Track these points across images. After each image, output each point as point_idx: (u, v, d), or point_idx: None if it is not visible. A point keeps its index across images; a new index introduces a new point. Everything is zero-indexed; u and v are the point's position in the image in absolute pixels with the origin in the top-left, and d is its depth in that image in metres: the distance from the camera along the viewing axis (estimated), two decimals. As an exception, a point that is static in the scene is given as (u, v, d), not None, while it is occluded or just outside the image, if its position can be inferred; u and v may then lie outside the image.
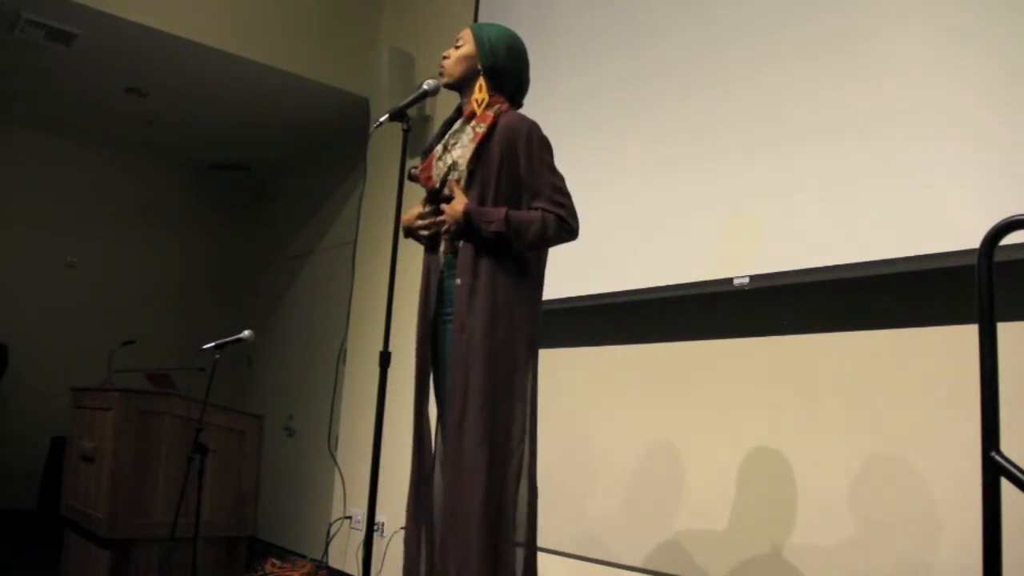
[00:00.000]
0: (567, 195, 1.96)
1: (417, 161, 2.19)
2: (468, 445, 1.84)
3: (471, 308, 1.91)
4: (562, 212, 1.93)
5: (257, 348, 5.55)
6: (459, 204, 1.92)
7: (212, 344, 3.20)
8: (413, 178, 2.12)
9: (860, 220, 2.12)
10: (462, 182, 1.97)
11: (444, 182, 2.02)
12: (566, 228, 1.94)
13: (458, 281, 1.94)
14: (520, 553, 1.86)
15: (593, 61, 3.04)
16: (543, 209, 1.92)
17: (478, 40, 2.04)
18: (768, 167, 2.37)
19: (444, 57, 2.09)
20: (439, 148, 2.09)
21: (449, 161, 2.02)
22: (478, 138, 1.96)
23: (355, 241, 4.56)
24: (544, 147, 1.98)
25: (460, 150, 2.01)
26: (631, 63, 2.87)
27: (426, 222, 2.03)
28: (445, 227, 1.96)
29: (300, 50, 4.32)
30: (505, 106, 2.04)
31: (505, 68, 2.05)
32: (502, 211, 1.89)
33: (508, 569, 1.83)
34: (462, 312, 1.92)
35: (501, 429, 1.85)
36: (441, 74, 2.09)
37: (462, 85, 2.07)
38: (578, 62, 3.10)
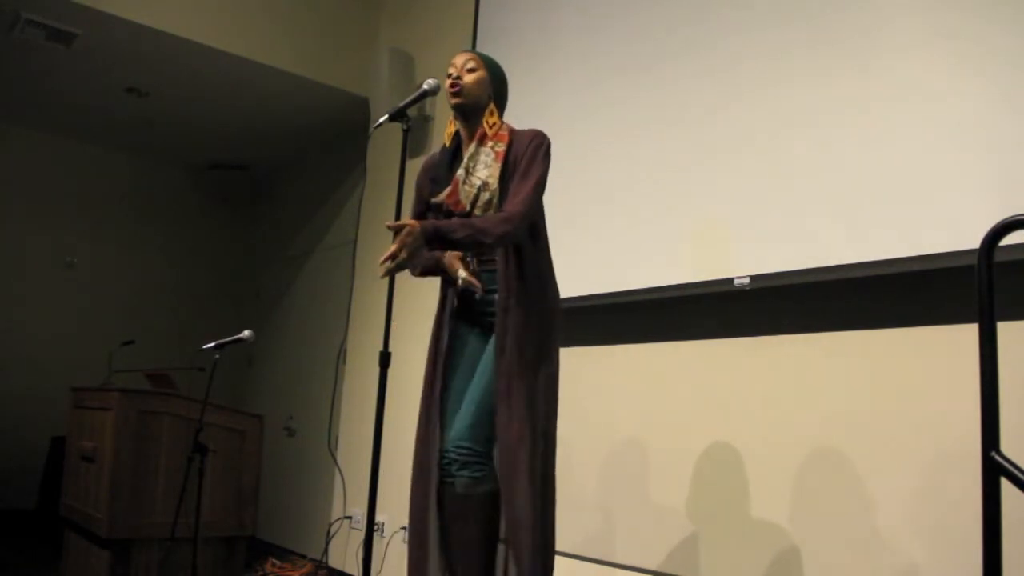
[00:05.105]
0: (534, 205, 2.01)
1: (418, 178, 2.22)
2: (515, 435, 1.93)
3: (512, 303, 1.98)
4: (517, 211, 1.96)
5: (257, 348, 5.55)
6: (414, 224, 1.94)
7: (212, 344, 3.21)
8: (432, 207, 2.14)
9: (860, 220, 2.12)
10: (494, 200, 2.03)
11: (475, 203, 2.05)
12: (508, 230, 1.95)
13: (499, 269, 2.00)
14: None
15: (594, 56, 3.03)
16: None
17: (488, 67, 2.12)
18: (769, 167, 2.37)
19: (456, 77, 2.08)
20: (461, 172, 2.09)
21: (477, 183, 2.05)
22: (501, 157, 2.05)
23: (355, 241, 4.56)
24: (546, 154, 2.06)
25: (486, 170, 2.05)
26: (632, 60, 2.87)
27: (394, 249, 1.92)
28: (400, 240, 1.88)
29: (300, 50, 4.32)
30: (508, 126, 2.13)
31: (502, 94, 2.17)
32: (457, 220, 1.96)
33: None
34: (505, 298, 1.99)
35: (539, 418, 1.96)
36: (456, 93, 2.07)
37: (477, 108, 2.10)
38: (576, 59, 3.10)
